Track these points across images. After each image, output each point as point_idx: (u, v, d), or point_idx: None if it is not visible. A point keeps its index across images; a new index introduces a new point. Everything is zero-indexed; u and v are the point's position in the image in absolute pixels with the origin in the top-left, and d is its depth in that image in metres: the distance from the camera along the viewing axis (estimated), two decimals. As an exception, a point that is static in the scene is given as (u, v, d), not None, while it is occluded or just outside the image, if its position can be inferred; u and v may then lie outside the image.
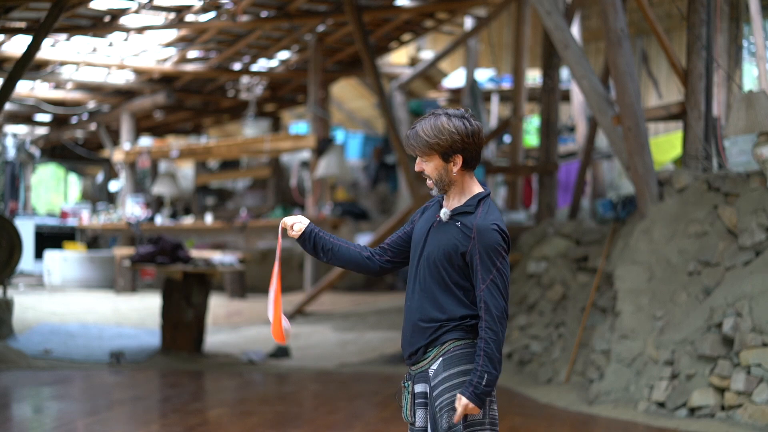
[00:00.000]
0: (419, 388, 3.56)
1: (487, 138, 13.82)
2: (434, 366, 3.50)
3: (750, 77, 11.65)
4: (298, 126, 20.53)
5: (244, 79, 17.08)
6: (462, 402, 3.38)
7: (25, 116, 19.23)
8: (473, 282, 3.47)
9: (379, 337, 12.09)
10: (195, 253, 12.78)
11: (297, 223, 3.72)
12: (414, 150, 3.54)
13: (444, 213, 3.55)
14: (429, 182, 3.58)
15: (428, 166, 3.54)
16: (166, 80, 16.93)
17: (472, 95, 14.80)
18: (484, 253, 3.42)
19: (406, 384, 3.61)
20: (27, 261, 17.75)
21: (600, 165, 13.96)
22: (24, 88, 16.56)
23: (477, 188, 3.57)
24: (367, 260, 3.74)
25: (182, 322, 10.77)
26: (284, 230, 3.75)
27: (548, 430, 7.21)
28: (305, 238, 3.71)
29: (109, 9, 12.36)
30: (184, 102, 18.47)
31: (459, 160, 3.50)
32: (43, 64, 15.29)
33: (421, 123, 3.53)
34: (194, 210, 19.41)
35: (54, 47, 14.38)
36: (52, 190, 29.72)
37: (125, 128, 17.79)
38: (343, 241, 3.76)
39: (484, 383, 3.36)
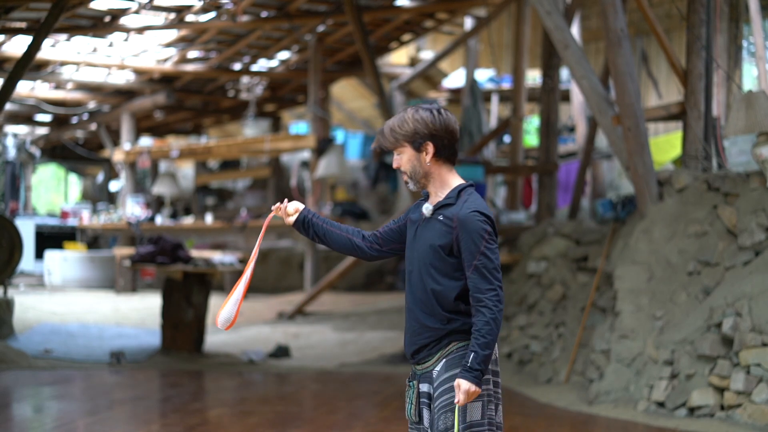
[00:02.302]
0: (424, 387, 3.55)
1: (487, 138, 13.82)
2: (438, 367, 3.49)
3: (750, 77, 11.66)
4: (298, 126, 20.52)
5: (244, 79, 17.09)
6: (457, 384, 3.38)
7: (25, 116, 19.23)
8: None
9: (379, 337, 12.10)
10: (195, 253, 12.78)
11: (291, 207, 3.82)
12: (385, 142, 3.61)
13: (426, 208, 3.57)
14: (404, 177, 3.62)
15: (402, 159, 3.59)
16: (166, 80, 16.93)
17: (472, 95, 14.79)
18: (468, 240, 3.42)
19: (411, 383, 3.59)
20: (27, 261, 17.74)
21: (600, 165, 13.96)
22: (24, 88, 16.56)
23: (457, 181, 3.60)
24: (357, 246, 3.79)
25: (182, 322, 10.78)
26: (278, 214, 3.83)
27: (548, 430, 7.21)
28: (299, 224, 3.81)
29: (109, 9, 12.36)
30: (184, 102, 18.47)
31: (430, 147, 3.54)
32: (44, 64, 15.29)
33: (393, 118, 3.65)
34: (194, 210, 19.41)
35: (54, 47, 14.39)
36: (53, 190, 29.72)
37: (125, 128, 17.79)
38: (336, 227, 3.82)
39: (476, 361, 3.35)
